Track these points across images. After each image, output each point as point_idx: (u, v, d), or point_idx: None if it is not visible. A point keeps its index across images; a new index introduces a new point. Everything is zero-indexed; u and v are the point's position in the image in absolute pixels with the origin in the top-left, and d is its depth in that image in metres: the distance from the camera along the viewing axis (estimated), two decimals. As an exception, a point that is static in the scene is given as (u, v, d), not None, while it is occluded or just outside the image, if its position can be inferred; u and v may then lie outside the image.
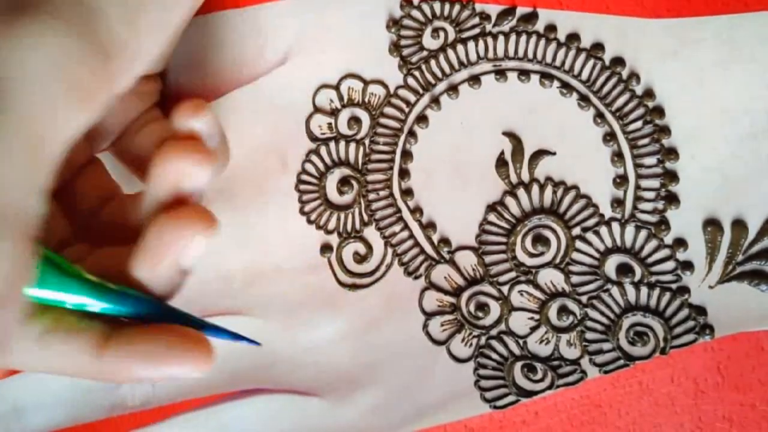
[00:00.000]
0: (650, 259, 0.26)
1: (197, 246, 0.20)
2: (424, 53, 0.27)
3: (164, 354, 0.19)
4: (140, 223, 0.20)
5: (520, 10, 0.27)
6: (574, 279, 0.27)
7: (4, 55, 0.15)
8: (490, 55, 0.27)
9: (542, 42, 0.27)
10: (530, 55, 0.27)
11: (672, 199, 0.26)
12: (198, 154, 0.19)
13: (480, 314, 0.27)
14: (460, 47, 0.27)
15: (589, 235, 0.27)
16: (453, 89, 0.27)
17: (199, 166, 0.19)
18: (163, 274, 0.20)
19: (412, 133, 0.27)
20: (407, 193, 0.27)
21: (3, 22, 0.15)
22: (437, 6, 0.27)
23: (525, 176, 0.27)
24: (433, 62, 0.27)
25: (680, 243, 0.26)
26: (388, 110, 0.27)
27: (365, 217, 0.27)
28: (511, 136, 0.27)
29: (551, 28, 0.27)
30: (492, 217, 0.27)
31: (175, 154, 0.19)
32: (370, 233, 0.27)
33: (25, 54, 0.15)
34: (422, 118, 0.27)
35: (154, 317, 0.20)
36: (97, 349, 0.19)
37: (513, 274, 0.27)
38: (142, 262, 0.20)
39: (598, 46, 0.27)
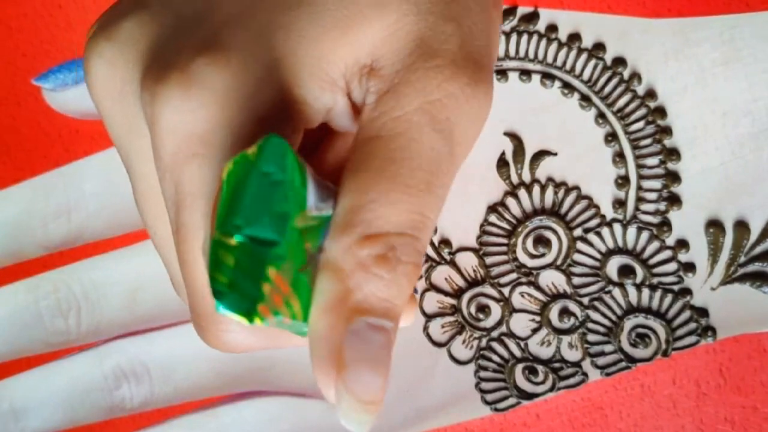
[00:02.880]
0: (652, 261, 0.26)
1: None
2: (425, 53, 0.27)
3: None
4: None
5: (521, 10, 0.27)
6: (576, 280, 0.27)
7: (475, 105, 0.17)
8: (491, 55, 0.27)
9: (543, 42, 0.27)
10: (531, 55, 0.27)
11: (674, 200, 0.26)
12: None
13: (481, 316, 0.27)
14: (460, 47, 0.27)
15: (591, 237, 0.27)
16: (453, 89, 0.27)
17: None
18: None
19: (412, 134, 0.27)
20: (407, 193, 0.27)
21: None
22: (438, 6, 0.27)
23: (526, 177, 0.27)
24: (433, 62, 0.27)
25: (682, 244, 0.26)
26: (389, 110, 0.27)
27: (365, 218, 0.27)
28: (512, 136, 0.27)
29: (552, 28, 0.27)
30: (493, 218, 0.27)
31: None
32: (370, 234, 0.27)
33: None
34: (423, 119, 0.27)
35: None
36: None
37: (514, 276, 0.27)
38: None
39: (600, 46, 0.27)
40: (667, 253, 0.26)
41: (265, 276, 0.14)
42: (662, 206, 0.26)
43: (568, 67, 0.27)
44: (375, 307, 0.15)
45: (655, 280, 0.26)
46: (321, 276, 0.15)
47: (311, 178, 0.15)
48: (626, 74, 0.27)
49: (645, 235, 0.26)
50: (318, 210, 0.16)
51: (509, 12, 0.27)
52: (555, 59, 0.27)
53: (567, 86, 0.27)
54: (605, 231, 0.27)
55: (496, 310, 0.27)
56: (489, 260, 0.27)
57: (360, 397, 0.15)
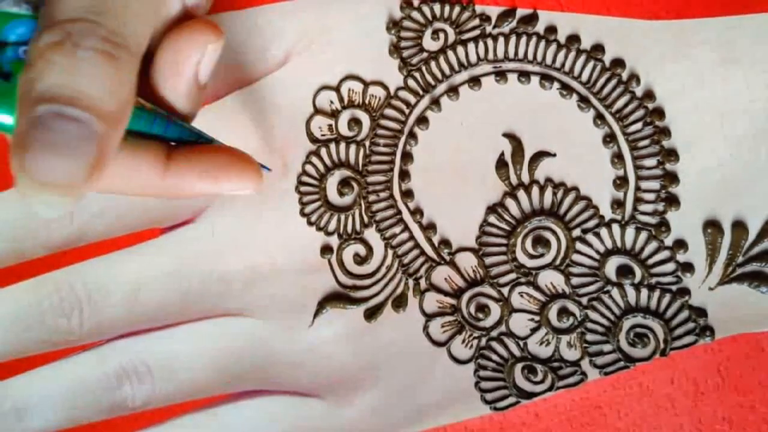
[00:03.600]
0: (650, 261, 0.26)
1: (211, 55, 0.21)
2: (424, 55, 0.27)
3: (221, 169, 0.21)
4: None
5: (520, 12, 0.27)
6: (575, 280, 0.27)
7: None
8: (490, 56, 0.27)
9: (542, 43, 0.27)
10: (530, 56, 0.27)
11: (672, 201, 0.26)
12: None
13: (480, 315, 0.27)
14: (460, 49, 0.27)
15: (590, 237, 0.27)
16: (453, 91, 0.27)
17: None
18: (184, 91, 0.21)
19: (412, 135, 0.27)
20: (407, 194, 0.27)
21: None
22: (437, 7, 0.27)
23: (525, 178, 0.27)
24: (433, 64, 0.27)
25: (680, 244, 0.26)
26: (389, 112, 0.27)
27: (365, 219, 0.27)
28: (511, 137, 0.27)
29: (551, 29, 0.27)
30: (492, 219, 0.27)
31: None
32: (371, 235, 0.27)
33: None
34: (422, 120, 0.27)
35: (182, 141, 0.22)
36: (162, 164, 0.20)
37: (513, 276, 0.27)
38: (163, 81, 0.20)
39: (598, 48, 0.27)
40: (665, 254, 0.26)
41: None
42: (660, 207, 0.26)
43: (566, 68, 0.27)
44: (58, 95, 0.16)
45: (653, 280, 0.26)
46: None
47: None
48: (625, 75, 0.27)
49: (643, 235, 0.27)
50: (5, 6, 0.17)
51: (508, 14, 0.27)
52: (554, 60, 0.27)
53: (566, 87, 0.27)
54: (604, 231, 0.27)
55: (495, 309, 0.27)
56: (488, 260, 0.27)
57: (34, 176, 0.16)
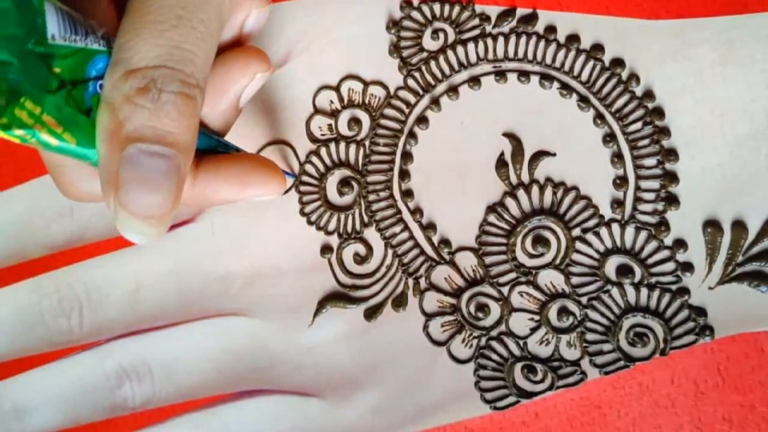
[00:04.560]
0: (650, 260, 0.26)
1: (257, 84, 0.22)
2: (424, 54, 0.27)
3: (246, 176, 0.22)
4: None
5: (520, 12, 0.27)
6: (574, 280, 0.27)
7: None
8: (490, 56, 0.27)
9: (542, 43, 0.27)
10: (530, 56, 0.27)
11: (672, 200, 0.26)
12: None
13: (480, 315, 0.27)
14: (460, 48, 0.27)
15: (589, 236, 0.27)
16: (453, 90, 0.27)
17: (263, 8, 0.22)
18: (223, 110, 0.22)
19: (412, 134, 0.27)
20: (407, 194, 0.27)
21: None
22: (437, 7, 0.27)
23: (525, 177, 0.27)
24: (433, 63, 0.27)
25: (680, 244, 0.26)
26: (388, 111, 0.27)
27: (365, 218, 0.27)
28: (511, 137, 0.27)
29: (551, 29, 0.27)
30: (492, 218, 0.27)
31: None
32: (371, 234, 0.27)
33: None
34: (422, 119, 0.27)
35: (210, 150, 0.22)
36: (192, 173, 0.21)
37: (513, 275, 0.27)
38: (207, 99, 0.21)
39: (598, 47, 0.27)
40: (665, 253, 0.26)
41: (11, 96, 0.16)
42: (660, 206, 0.27)
43: (566, 68, 0.27)
44: (146, 135, 0.18)
45: (653, 280, 0.26)
46: (99, 110, 0.18)
47: (54, 8, 0.17)
48: (624, 75, 0.27)
49: (643, 234, 0.27)
50: (70, 41, 0.18)
51: (508, 13, 0.27)
52: (554, 60, 0.27)
53: (565, 87, 0.27)
54: (604, 231, 0.27)
55: (495, 309, 0.27)
56: (488, 260, 0.27)
57: (132, 211, 0.18)
